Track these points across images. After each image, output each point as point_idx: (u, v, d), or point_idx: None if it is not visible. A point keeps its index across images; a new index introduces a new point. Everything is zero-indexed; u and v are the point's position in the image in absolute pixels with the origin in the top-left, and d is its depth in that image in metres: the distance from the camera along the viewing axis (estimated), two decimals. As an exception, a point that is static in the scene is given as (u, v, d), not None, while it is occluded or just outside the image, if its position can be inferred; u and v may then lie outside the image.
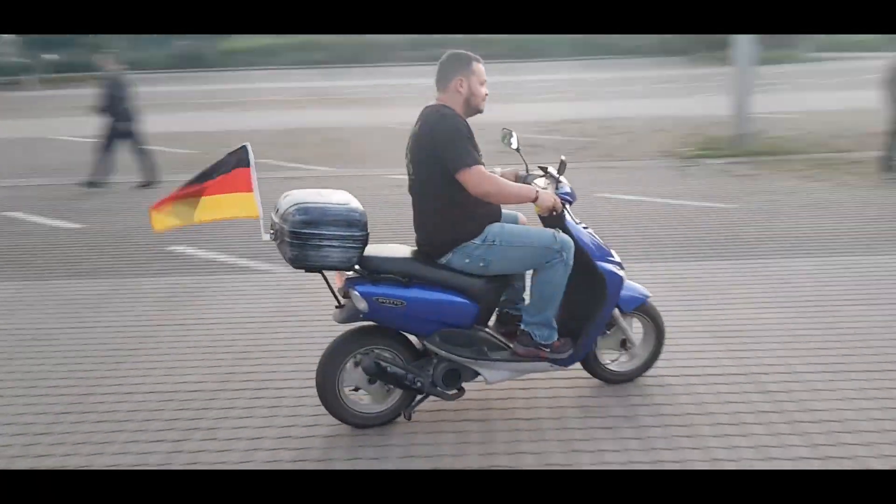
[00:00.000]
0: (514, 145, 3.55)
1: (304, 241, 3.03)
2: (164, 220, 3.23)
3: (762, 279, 5.32)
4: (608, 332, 3.65)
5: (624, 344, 3.72)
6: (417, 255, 3.33)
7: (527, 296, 3.52)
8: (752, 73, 11.04)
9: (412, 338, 3.40)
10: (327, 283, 3.32)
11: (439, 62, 3.32)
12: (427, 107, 3.30)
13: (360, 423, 3.35)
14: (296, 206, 3.06)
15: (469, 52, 3.32)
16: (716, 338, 4.31)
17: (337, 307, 3.34)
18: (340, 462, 3.13)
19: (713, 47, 29.58)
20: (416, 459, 3.13)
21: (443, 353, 3.29)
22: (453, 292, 3.25)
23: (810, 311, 4.67)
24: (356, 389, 3.38)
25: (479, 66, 3.30)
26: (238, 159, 3.22)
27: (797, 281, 5.25)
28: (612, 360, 3.74)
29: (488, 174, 3.16)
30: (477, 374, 3.38)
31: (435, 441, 3.27)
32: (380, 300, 3.16)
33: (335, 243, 3.06)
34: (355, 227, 3.09)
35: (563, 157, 3.52)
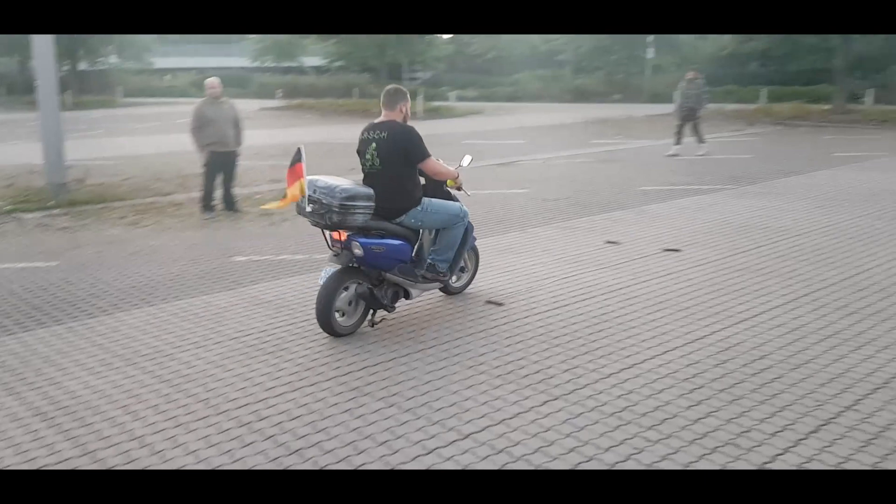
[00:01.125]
0: (467, 163, 5.79)
1: (346, 210, 4.73)
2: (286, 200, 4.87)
3: (96, 339, 4.98)
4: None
5: (463, 269, 5.87)
6: (379, 218, 4.97)
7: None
8: (59, 118, 10.44)
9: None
10: (325, 238, 5.02)
11: (387, 92, 5.12)
12: (380, 122, 5.09)
13: (342, 333, 4.90)
14: (340, 188, 4.74)
15: (402, 87, 5.17)
16: (49, 423, 3.82)
17: (335, 255, 4.92)
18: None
19: (16, 90, 27.55)
20: None
21: (399, 279, 5.04)
22: (403, 240, 5.04)
23: (146, 363, 4.53)
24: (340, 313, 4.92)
25: (408, 96, 5.19)
26: (296, 157, 4.74)
27: (133, 333, 5.07)
28: (455, 280, 5.81)
29: (436, 161, 5.16)
30: (405, 295, 5.20)
31: None
32: (372, 248, 4.81)
33: (362, 211, 4.80)
34: (371, 200, 4.85)
35: (470, 157, 5.85)
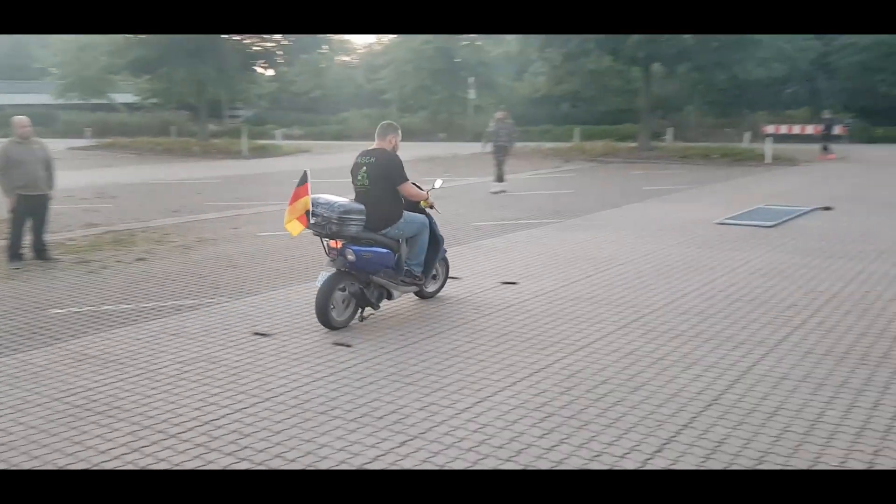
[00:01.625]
0: (439, 185, 7.00)
1: (343, 222, 5.79)
2: (293, 225, 5.85)
3: None
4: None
5: (434, 276, 6.79)
6: (368, 229, 6.00)
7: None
8: None
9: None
10: (324, 246, 6.03)
11: (380, 126, 6.36)
12: (372, 149, 6.26)
13: (337, 327, 5.85)
14: (338, 204, 5.86)
15: (395, 123, 6.47)
16: None
17: (332, 260, 5.92)
18: None
19: None
20: None
21: (384, 282, 6.06)
22: (387, 249, 6.04)
23: (-43, 437, 4.02)
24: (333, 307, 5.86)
25: (399, 131, 6.39)
26: (302, 178, 5.78)
27: (-66, 403, 4.48)
28: (428, 286, 6.74)
29: (411, 185, 6.26)
30: (388, 296, 6.20)
31: None
32: (363, 254, 5.83)
33: (356, 222, 5.87)
34: (363, 215, 5.93)
35: (441, 180, 7.14)
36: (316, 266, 8.37)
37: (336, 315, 5.85)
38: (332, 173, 21.01)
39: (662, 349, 5.35)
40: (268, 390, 4.67)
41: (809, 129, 29.74)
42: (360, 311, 6.03)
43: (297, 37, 33.70)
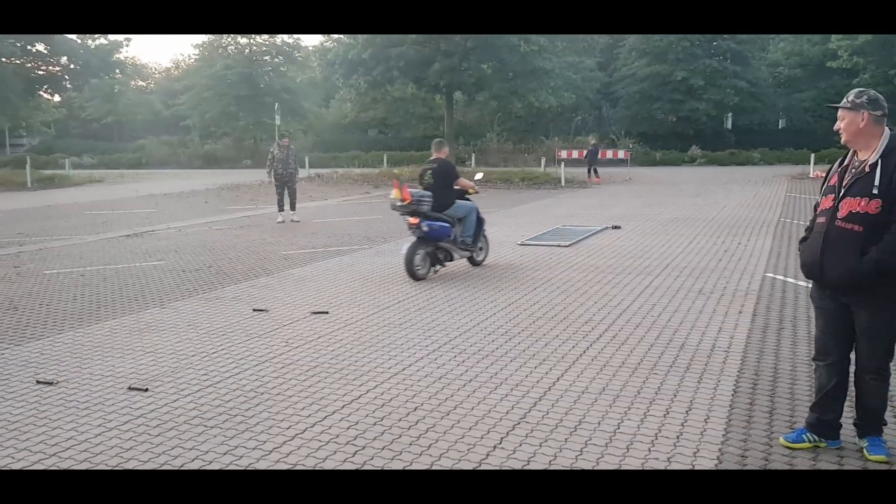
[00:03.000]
0: (479, 177, 10.77)
1: (419, 203, 8.73)
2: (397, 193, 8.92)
3: None
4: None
5: (481, 248, 9.70)
6: (435, 210, 8.97)
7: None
8: None
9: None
10: (408, 223, 8.74)
11: (435, 142, 9.81)
12: (434, 158, 9.42)
13: (421, 277, 8.73)
14: (415, 192, 8.83)
15: (444, 139, 11.84)
16: None
17: (413, 231, 8.70)
18: None
19: None
20: None
21: (448, 246, 9.01)
22: (448, 223, 9.02)
23: None
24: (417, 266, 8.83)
25: (446, 143, 10.21)
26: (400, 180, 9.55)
27: None
28: (478, 256, 9.69)
29: (464, 180, 9.55)
30: (450, 258, 9.16)
31: None
32: (432, 226, 8.71)
33: (426, 203, 8.82)
34: (431, 198, 8.90)
35: (482, 173, 12.31)
36: (108, 303, 7.77)
37: (419, 269, 8.67)
38: (129, 203, 19.74)
39: (472, 370, 5.44)
40: (53, 445, 4.22)
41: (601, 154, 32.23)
42: (433, 267, 8.93)
43: (86, 61, 31.61)
